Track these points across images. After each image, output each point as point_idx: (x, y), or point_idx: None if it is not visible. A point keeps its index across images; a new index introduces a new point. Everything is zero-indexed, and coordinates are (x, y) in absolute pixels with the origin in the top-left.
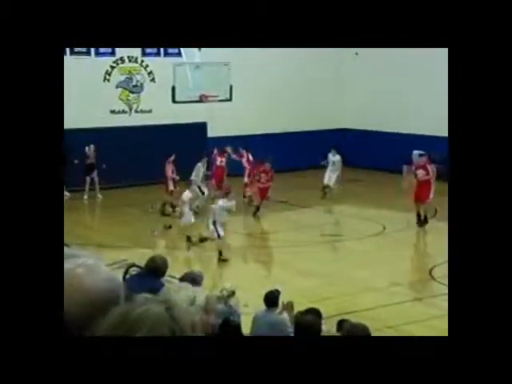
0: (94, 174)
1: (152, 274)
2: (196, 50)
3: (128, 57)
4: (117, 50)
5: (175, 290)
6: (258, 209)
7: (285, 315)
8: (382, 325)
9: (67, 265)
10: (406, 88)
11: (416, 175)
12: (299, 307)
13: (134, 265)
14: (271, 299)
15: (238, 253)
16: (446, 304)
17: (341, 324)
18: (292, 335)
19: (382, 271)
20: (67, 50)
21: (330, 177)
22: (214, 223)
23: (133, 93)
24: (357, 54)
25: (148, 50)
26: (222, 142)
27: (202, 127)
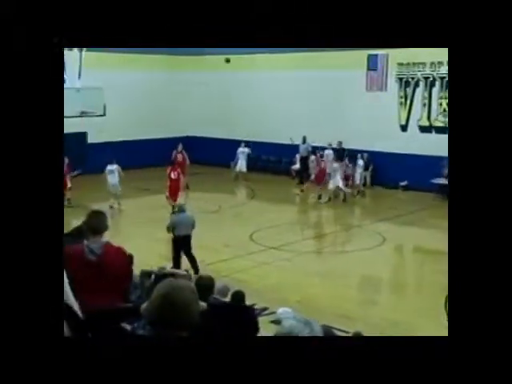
0: None
1: None
2: (77, 77)
3: None
4: None
5: None
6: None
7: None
8: (218, 274)
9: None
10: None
11: None
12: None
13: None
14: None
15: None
16: (258, 257)
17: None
18: None
19: (218, 236)
20: None
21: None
22: None
23: None
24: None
25: None
26: (99, 147)
27: (83, 135)
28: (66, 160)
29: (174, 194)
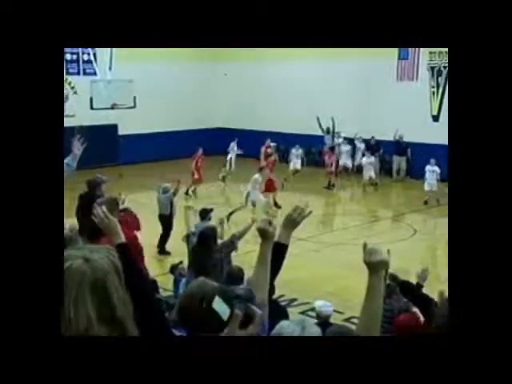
0: None
1: None
2: (107, 69)
3: None
4: None
5: None
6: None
7: None
8: (248, 265)
9: None
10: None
11: None
12: None
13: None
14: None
15: None
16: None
17: None
18: None
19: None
20: None
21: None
22: None
23: None
24: (225, 74)
25: (70, 70)
26: (130, 138)
27: (114, 127)
28: (200, 150)
29: (268, 189)
